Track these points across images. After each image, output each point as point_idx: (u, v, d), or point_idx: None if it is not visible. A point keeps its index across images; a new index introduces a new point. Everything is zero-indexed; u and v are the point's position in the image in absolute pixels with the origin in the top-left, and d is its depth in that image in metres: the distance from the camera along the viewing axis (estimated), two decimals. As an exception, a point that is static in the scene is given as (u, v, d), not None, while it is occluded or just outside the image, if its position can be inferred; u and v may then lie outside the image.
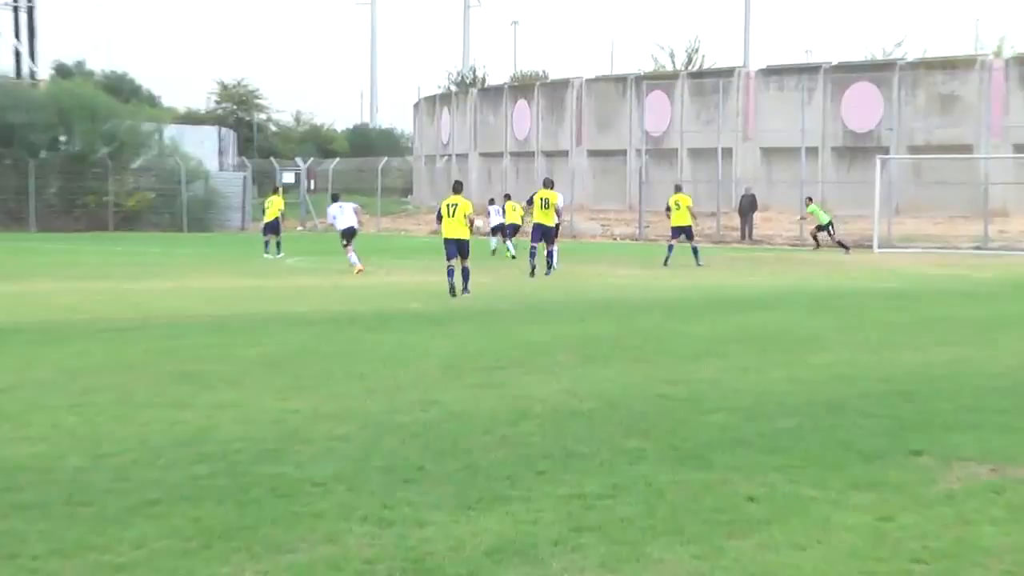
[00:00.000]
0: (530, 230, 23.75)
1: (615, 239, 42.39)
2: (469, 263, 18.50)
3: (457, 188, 19.19)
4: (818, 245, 34.92)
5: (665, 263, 26.14)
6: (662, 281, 21.73)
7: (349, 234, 25.19)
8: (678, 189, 28.01)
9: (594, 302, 16.93)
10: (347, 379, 9.59)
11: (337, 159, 58.65)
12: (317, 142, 78.23)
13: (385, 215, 54.85)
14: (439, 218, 18.76)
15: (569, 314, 15.07)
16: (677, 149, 47.35)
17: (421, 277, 22.36)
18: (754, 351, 11.43)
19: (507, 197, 33.86)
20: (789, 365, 10.49)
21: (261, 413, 8.16)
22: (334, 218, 26.03)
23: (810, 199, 36.22)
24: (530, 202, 23.27)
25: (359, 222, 25.67)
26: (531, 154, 54.12)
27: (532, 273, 22.33)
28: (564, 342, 11.94)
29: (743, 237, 39.73)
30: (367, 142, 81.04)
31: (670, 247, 26.62)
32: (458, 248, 18.35)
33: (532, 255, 22.93)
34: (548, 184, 23.68)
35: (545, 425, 7.74)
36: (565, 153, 52.29)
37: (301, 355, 10.96)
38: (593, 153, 51.46)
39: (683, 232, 26.57)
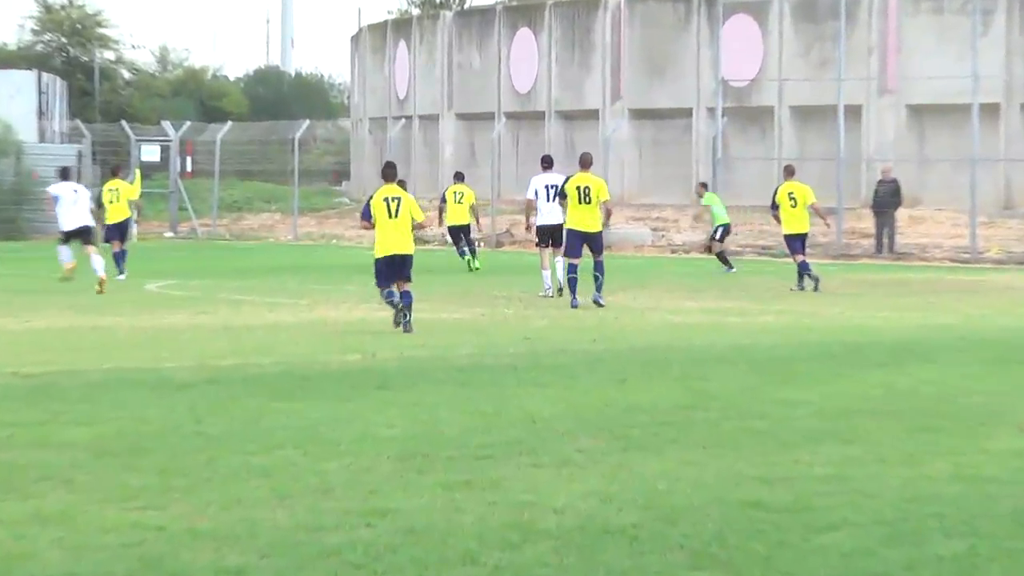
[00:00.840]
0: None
1: (674, 251, 42.39)
2: (411, 286, 19.45)
3: (390, 174, 19.84)
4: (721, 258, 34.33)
5: (805, 286, 27.08)
6: (750, 318, 22.06)
7: (82, 235, 26.91)
8: (790, 173, 28.32)
9: (641, 352, 17.24)
10: (243, 476, 9.72)
11: (229, 124, 58.80)
12: (197, 97, 78.32)
13: (306, 213, 54.78)
14: (367, 216, 19.57)
15: (602, 371, 15.30)
16: (773, 108, 47.47)
17: (362, 312, 22.42)
18: (898, 431, 11.59)
19: (458, 178, 34.64)
20: (955, 453, 10.61)
21: (103, 531, 8.17)
22: (57, 202, 27.29)
23: (704, 185, 36.52)
24: (563, 195, 23.80)
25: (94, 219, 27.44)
26: (539, 115, 54.30)
27: (574, 302, 23.20)
28: (592, 416, 12.16)
29: (880, 248, 40.11)
30: (276, 97, 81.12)
31: (803, 268, 27.25)
32: (402, 269, 19.38)
33: (572, 280, 23.31)
34: (587, 163, 24.01)
35: (563, 549, 7.84)
36: (594, 114, 52.46)
37: (169, 438, 11.09)
38: (639, 114, 51.60)
39: (800, 242, 27.44)
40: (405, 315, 19.07)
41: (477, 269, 32.47)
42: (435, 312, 22.05)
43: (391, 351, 17.01)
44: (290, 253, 41.87)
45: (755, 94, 47.98)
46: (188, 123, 57.42)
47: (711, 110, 46.56)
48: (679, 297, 26.32)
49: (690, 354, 16.91)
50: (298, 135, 52.89)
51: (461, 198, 33.72)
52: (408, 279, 19.38)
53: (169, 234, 51.53)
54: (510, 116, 54.65)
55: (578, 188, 23.28)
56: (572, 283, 23.32)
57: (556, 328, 20.27)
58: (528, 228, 26.48)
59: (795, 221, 27.35)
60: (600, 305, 23.06)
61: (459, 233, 33.64)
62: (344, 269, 33.77)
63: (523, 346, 17.77)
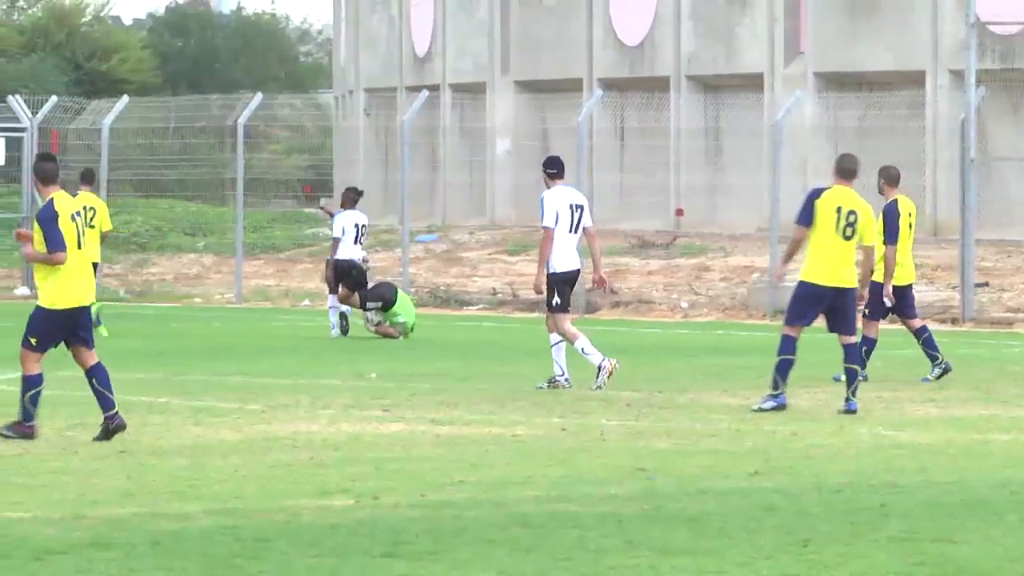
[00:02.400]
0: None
1: (894, 321, 34.72)
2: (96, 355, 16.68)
3: (52, 171, 16.23)
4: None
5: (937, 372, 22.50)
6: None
7: None
8: (894, 180, 22.39)
9: (838, 493, 14.23)
10: None
11: (124, 100, 49.23)
12: (68, 56, 69.60)
13: (258, 253, 47.28)
14: (59, 242, 16.23)
15: (771, 526, 12.47)
16: None
17: (356, 424, 18.70)
18: None
19: (86, 180, 29.51)
20: None
21: None
22: None
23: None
24: (805, 219, 18.51)
25: None
26: (659, 83, 44.00)
27: (778, 399, 18.86)
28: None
29: None
30: (204, 55, 72.93)
31: (861, 349, 21.74)
32: (85, 326, 16.55)
33: (783, 364, 18.76)
34: (852, 171, 18.74)
35: None
36: (755, 81, 42.22)
37: None
38: (834, 82, 41.53)
39: (912, 297, 22.98)
40: (114, 423, 15.99)
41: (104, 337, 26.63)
42: (479, 424, 18.50)
43: (405, 492, 14.18)
44: (231, 323, 34.98)
45: None
46: (54, 99, 47.96)
47: (956, 74, 36.69)
48: (904, 399, 21.48)
49: (923, 497, 14.09)
50: (243, 119, 42.40)
51: (93, 217, 27.18)
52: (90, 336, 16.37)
53: (22, 290, 41.78)
54: (610, 85, 43.88)
55: (838, 211, 18.24)
56: (782, 367, 18.67)
57: (690, 451, 16.64)
58: (539, 287, 21.42)
59: (909, 262, 22.19)
60: (846, 406, 18.86)
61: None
62: (328, 349, 28.74)
63: (633, 483, 14.90)
